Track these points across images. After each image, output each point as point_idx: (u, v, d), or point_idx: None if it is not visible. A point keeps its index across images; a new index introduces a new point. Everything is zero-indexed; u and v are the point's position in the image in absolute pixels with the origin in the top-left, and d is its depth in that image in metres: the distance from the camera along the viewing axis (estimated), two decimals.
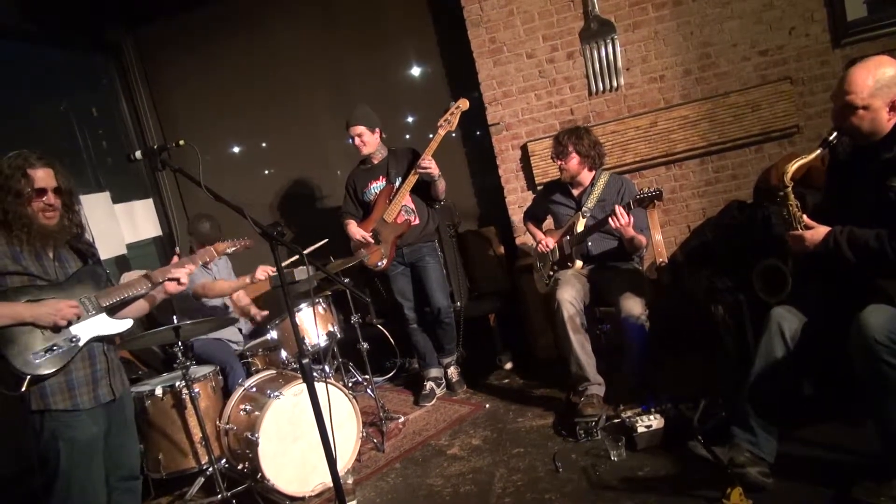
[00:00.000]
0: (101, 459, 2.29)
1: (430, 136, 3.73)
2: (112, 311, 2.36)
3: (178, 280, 2.47)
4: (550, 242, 3.54)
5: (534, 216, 3.82)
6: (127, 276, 2.53)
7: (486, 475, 2.92)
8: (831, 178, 2.46)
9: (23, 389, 2.12)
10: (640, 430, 2.80)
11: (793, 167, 2.29)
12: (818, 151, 2.27)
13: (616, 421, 2.98)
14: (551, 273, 3.50)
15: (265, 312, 3.98)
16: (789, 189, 2.29)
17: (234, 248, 2.87)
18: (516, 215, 4.44)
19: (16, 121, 4.42)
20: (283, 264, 3.61)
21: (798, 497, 2.24)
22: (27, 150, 2.24)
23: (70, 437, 2.19)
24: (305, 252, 3.76)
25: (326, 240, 3.94)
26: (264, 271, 3.60)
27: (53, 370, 2.17)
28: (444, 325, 3.97)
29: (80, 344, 2.23)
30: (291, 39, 4.94)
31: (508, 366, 4.31)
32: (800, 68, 3.94)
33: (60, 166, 2.30)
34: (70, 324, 2.20)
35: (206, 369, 3.42)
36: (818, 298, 2.35)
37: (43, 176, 2.22)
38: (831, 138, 2.22)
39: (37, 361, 2.14)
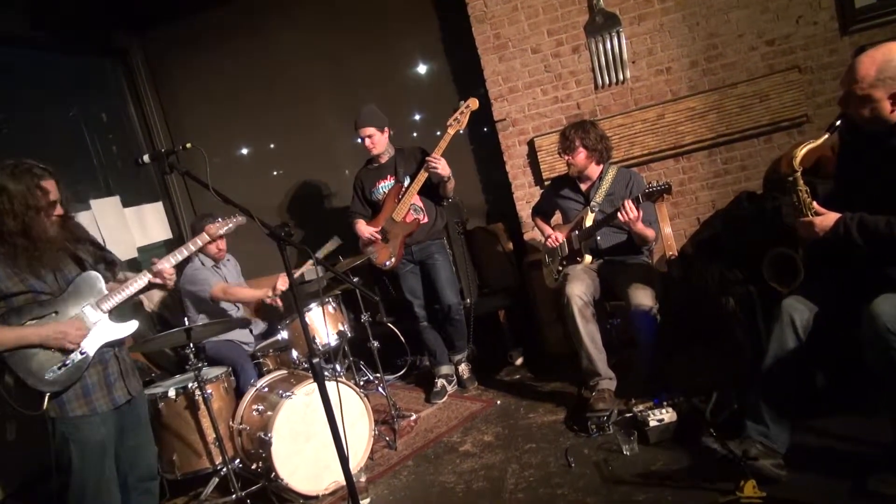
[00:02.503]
0: (112, 460, 2.32)
1: (438, 133, 3.73)
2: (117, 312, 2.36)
3: (165, 271, 2.43)
4: (560, 237, 3.53)
5: (542, 211, 3.81)
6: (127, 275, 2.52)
7: (499, 471, 2.92)
8: (841, 166, 2.44)
9: (44, 407, 2.16)
10: (652, 423, 2.79)
11: (801, 152, 2.27)
12: (826, 136, 2.25)
13: (628, 415, 2.97)
14: (560, 268, 3.49)
15: (279, 296, 3.86)
16: (798, 174, 2.27)
17: (226, 229, 2.74)
18: (524, 211, 4.44)
19: (26, 127, 4.46)
20: (297, 273, 3.60)
21: (812, 489, 2.22)
22: (27, 160, 2.20)
23: (80, 439, 2.23)
24: (319, 254, 3.78)
25: (339, 242, 3.88)
26: (285, 282, 3.58)
27: (70, 384, 2.21)
28: (454, 322, 3.97)
29: (91, 353, 2.26)
30: (296, 40, 4.95)
31: (519, 362, 4.31)
32: (808, 57, 3.91)
33: (59, 175, 2.28)
34: (75, 345, 2.20)
35: (218, 370, 3.44)
36: (829, 288, 2.33)
37: (53, 187, 2.23)
38: (838, 123, 2.21)
39: (52, 379, 2.17)
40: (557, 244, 3.53)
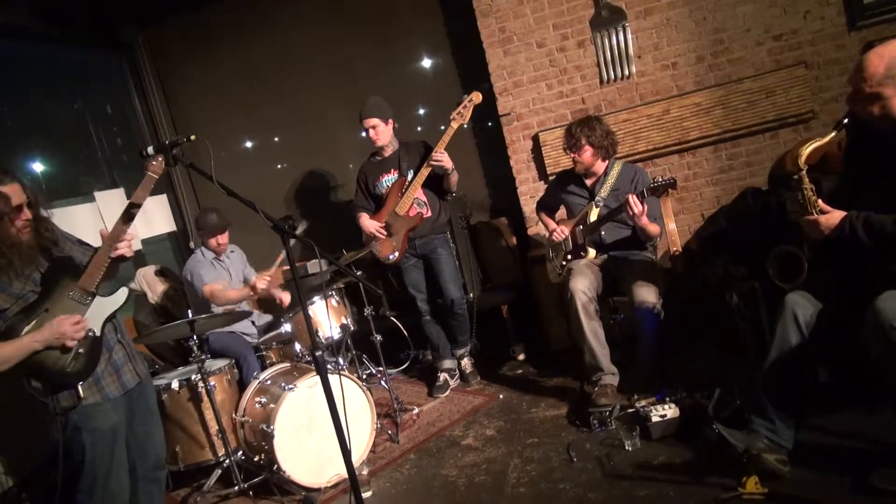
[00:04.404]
0: (123, 447, 2.33)
1: (442, 128, 3.72)
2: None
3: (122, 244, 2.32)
4: (565, 231, 3.52)
5: (546, 206, 3.80)
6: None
7: (501, 465, 2.93)
8: (847, 164, 2.42)
9: (82, 395, 2.16)
10: (655, 419, 2.79)
11: (807, 150, 2.26)
12: (832, 134, 2.23)
13: (630, 410, 2.97)
14: (564, 263, 3.49)
15: (286, 296, 3.93)
16: (804, 172, 2.26)
17: (159, 173, 2.35)
18: (528, 206, 4.43)
19: (31, 120, 4.47)
20: (278, 260, 3.63)
21: (815, 485, 2.22)
22: None
23: (92, 427, 2.23)
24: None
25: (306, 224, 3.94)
26: (263, 279, 3.60)
27: (94, 365, 2.22)
28: (457, 316, 3.97)
29: (98, 333, 2.26)
30: (301, 35, 4.94)
31: (522, 356, 4.31)
32: (815, 52, 3.88)
33: (24, 179, 2.22)
34: (77, 341, 2.17)
35: (221, 363, 3.45)
36: (833, 285, 2.32)
37: (16, 191, 2.15)
38: (845, 121, 2.19)
39: (75, 371, 2.17)
40: (562, 238, 3.53)
